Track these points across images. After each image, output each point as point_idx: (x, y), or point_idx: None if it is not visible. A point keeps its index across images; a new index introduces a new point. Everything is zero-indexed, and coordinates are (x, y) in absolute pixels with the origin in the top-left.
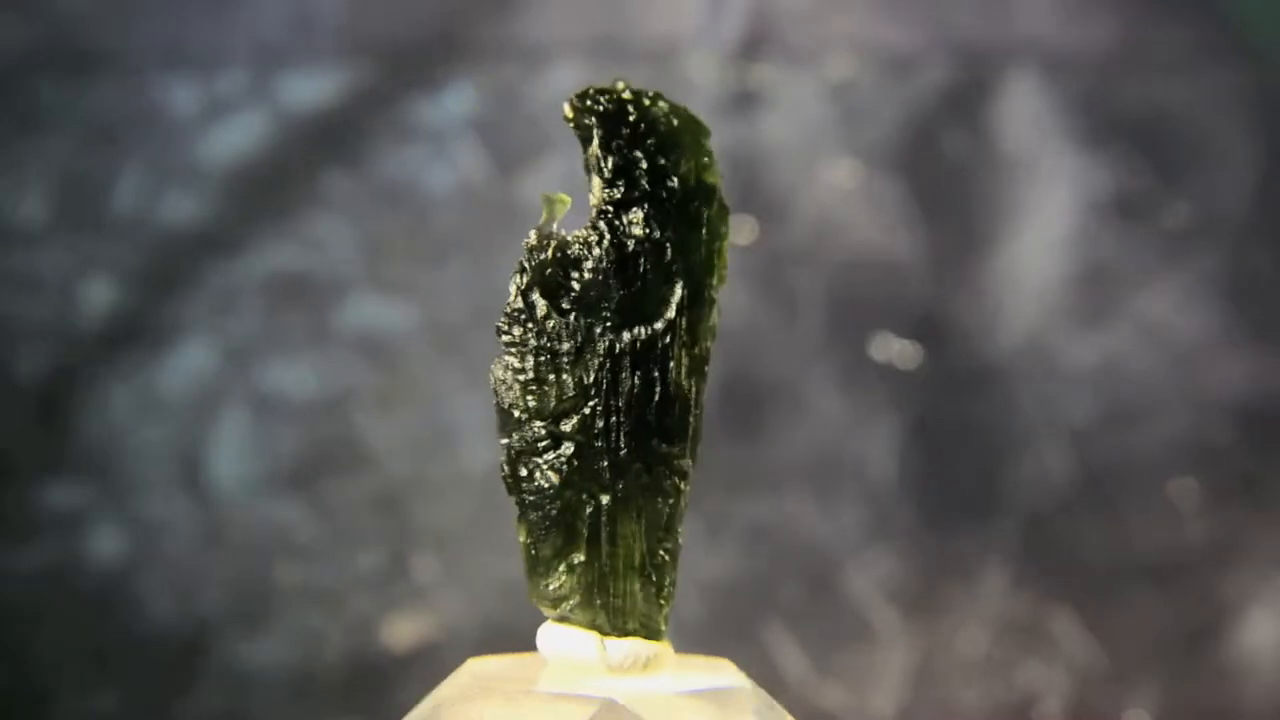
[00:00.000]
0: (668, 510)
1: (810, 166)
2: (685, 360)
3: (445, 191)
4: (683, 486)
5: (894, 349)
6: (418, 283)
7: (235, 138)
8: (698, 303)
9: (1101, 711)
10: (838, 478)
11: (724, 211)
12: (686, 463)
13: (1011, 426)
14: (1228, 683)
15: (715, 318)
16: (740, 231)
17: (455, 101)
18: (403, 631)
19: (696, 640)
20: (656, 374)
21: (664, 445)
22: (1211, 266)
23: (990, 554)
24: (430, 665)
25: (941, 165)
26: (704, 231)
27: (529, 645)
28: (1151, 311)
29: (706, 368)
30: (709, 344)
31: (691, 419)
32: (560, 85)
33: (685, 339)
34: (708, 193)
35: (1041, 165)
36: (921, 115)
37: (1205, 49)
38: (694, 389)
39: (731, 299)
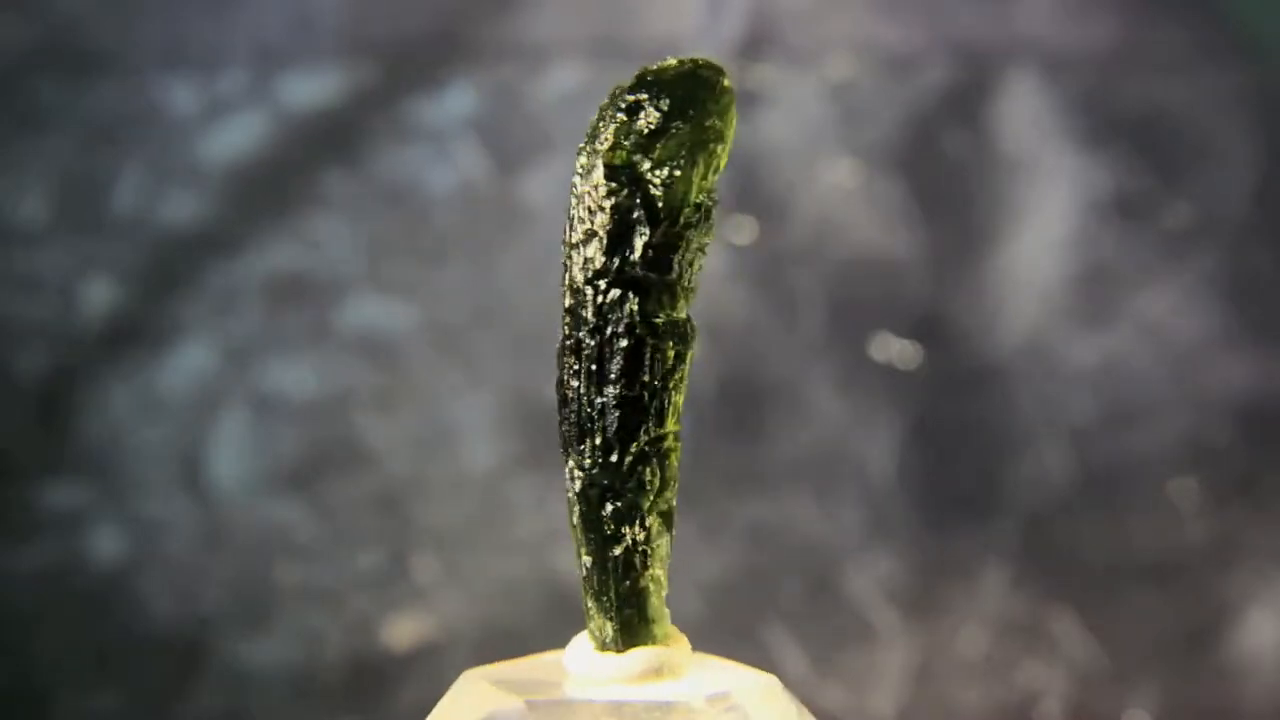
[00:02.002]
0: (571, 518)
1: (810, 166)
2: (572, 360)
3: (445, 191)
4: (575, 497)
5: (894, 349)
6: (418, 283)
7: (235, 138)
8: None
9: (1101, 711)
10: (838, 478)
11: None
12: (577, 473)
13: (1011, 426)
14: (1228, 683)
15: (659, 316)
16: (740, 231)
17: (455, 101)
18: (403, 631)
19: (696, 640)
20: (560, 375)
21: (565, 452)
22: (1211, 266)
23: (990, 554)
24: (430, 665)
25: (941, 165)
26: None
27: (529, 646)
28: (1151, 311)
29: (640, 375)
30: (645, 349)
31: (595, 428)
32: (560, 85)
33: (572, 339)
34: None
35: (1041, 165)
36: (921, 115)
37: (1205, 49)
38: (585, 391)
39: (732, 299)
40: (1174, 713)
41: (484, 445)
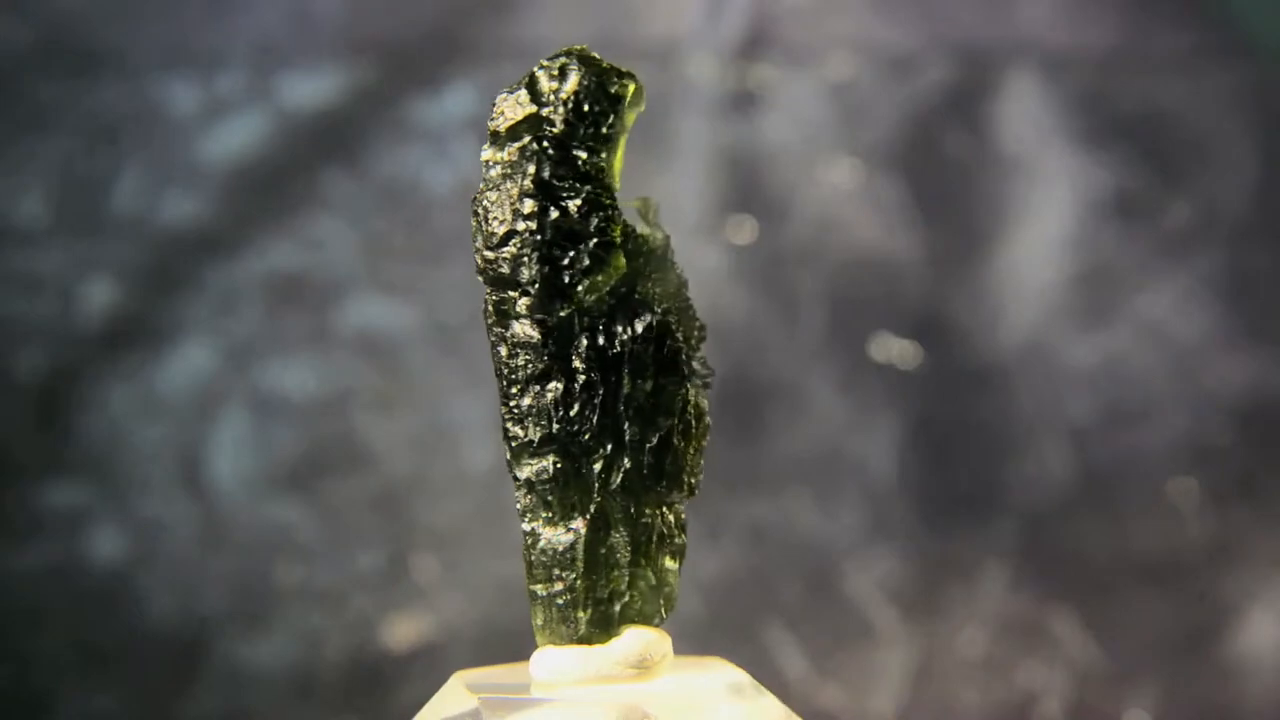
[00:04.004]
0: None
1: (810, 166)
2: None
3: (445, 191)
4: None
5: (894, 349)
6: (418, 283)
7: (235, 138)
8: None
9: (1101, 711)
10: (838, 478)
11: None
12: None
13: (1011, 426)
14: (1228, 683)
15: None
16: (740, 231)
17: (455, 101)
18: (403, 631)
19: (697, 640)
20: None
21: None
22: (1211, 266)
23: (990, 554)
24: (430, 665)
25: (941, 165)
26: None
27: (529, 646)
28: (1151, 311)
29: (504, 375)
30: (502, 350)
31: (509, 428)
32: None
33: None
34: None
35: (1041, 165)
36: (921, 115)
37: (1205, 49)
38: (507, 389)
39: (732, 299)
40: (1174, 713)
41: (484, 445)
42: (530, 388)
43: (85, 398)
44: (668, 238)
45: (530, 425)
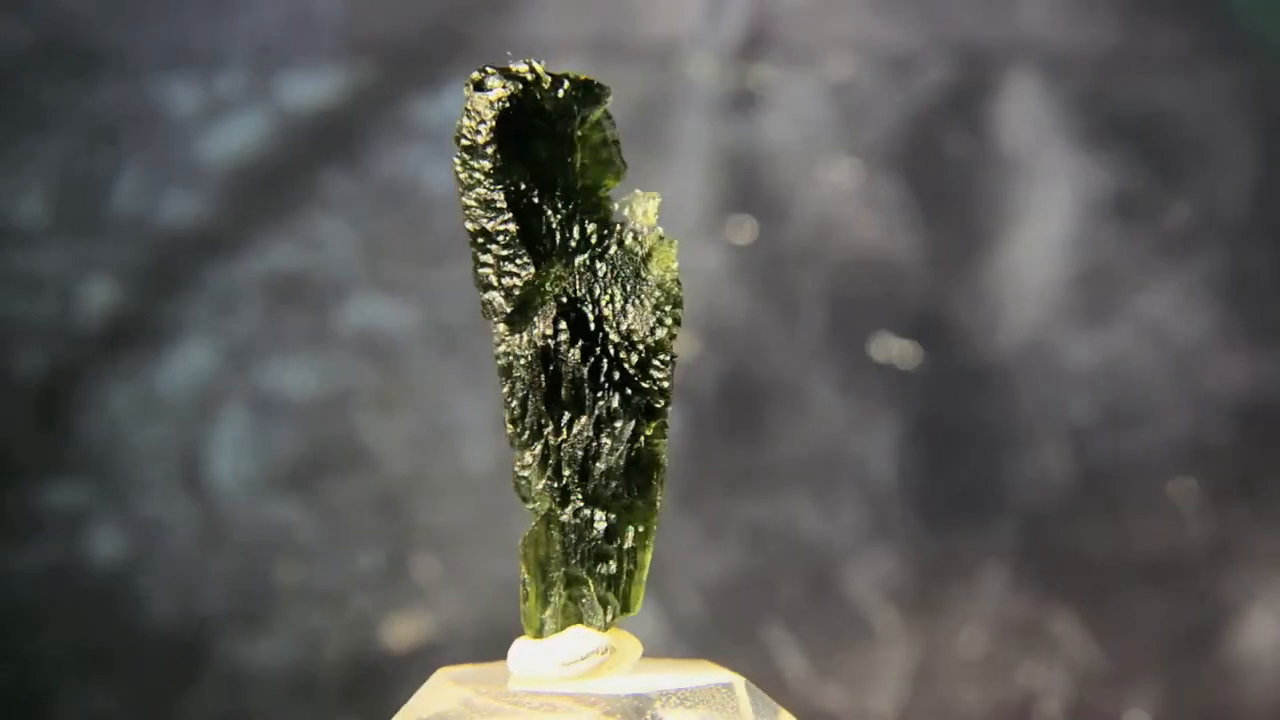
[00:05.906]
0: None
1: (810, 166)
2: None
3: (445, 191)
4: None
5: (894, 349)
6: (418, 283)
7: (235, 138)
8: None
9: (1101, 711)
10: (838, 478)
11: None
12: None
13: (1011, 426)
14: (1228, 683)
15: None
16: (740, 231)
17: (455, 101)
18: (403, 631)
19: (697, 640)
20: None
21: None
22: (1211, 267)
23: (990, 554)
24: (430, 665)
25: (941, 165)
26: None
27: None
28: (1151, 311)
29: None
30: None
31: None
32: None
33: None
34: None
35: (1041, 165)
36: (921, 115)
37: (1205, 49)
38: (507, 384)
39: (732, 299)
40: (1174, 713)
41: (484, 445)
42: (500, 384)
43: (85, 398)
44: (660, 235)
45: (506, 423)
